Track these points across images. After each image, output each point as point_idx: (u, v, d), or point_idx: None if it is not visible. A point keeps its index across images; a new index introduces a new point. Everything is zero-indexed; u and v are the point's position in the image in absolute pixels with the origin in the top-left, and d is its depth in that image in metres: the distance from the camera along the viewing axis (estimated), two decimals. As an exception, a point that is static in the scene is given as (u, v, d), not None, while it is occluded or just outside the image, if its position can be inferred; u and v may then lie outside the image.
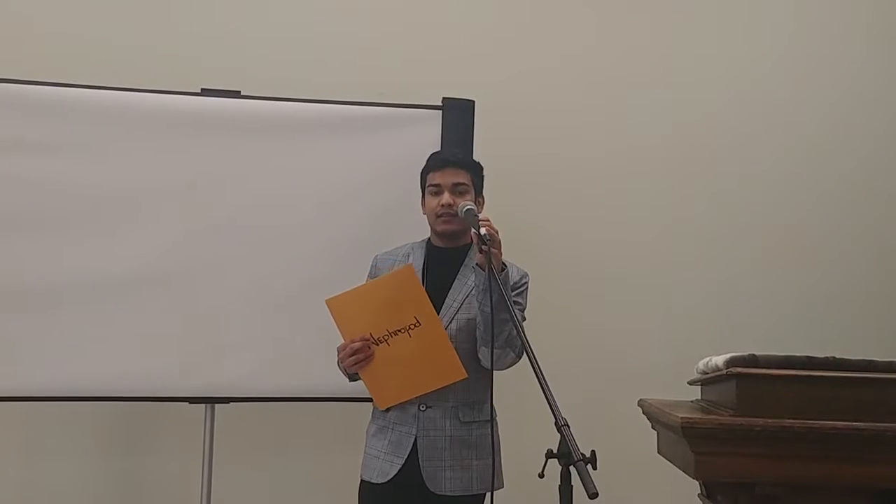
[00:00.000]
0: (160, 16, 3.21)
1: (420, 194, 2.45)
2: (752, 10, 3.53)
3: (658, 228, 3.42)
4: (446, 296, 2.34)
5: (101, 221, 2.75)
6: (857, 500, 1.82)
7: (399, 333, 2.21)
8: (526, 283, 2.39)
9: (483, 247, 2.05)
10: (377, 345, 2.23)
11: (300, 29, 3.28)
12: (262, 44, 3.24)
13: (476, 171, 2.43)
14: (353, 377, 2.33)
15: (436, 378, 2.24)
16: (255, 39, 3.24)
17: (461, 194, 2.34)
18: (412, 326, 2.20)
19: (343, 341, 2.26)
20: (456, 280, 2.36)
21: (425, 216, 2.43)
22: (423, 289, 2.23)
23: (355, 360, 2.23)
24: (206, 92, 2.83)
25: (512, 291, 2.27)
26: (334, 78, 3.18)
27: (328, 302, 2.22)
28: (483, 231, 2.08)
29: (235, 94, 2.85)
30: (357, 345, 2.22)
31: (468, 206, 2.24)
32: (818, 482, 1.80)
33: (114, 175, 2.76)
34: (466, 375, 2.23)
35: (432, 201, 2.36)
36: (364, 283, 2.36)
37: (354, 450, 2.46)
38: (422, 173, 2.44)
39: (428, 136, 2.88)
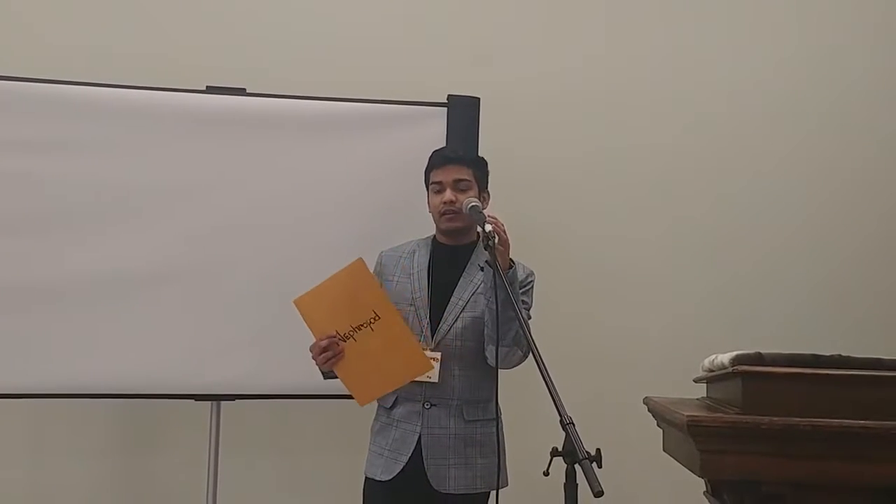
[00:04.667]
0: (165, 13, 3.21)
1: (426, 193, 2.45)
2: (757, 12, 3.51)
3: (663, 226, 3.41)
4: (452, 294, 2.34)
5: (106, 219, 2.76)
6: (863, 499, 1.81)
7: (362, 328, 2.18)
8: (532, 281, 2.38)
9: (488, 244, 2.05)
10: (344, 341, 2.21)
11: (305, 26, 3.28)
12: (267, 41, 3.24)
13: (479, 166, 2.41)
14: (327, 375, 2.30)
15: (406, 371, 2.22)
16: (260, 37, 3.24)
17: (463, 191, 2.33)
18: (373, 320, 2.17)
19: (314, 340, 2.24)
20: (462, 278, 2.36)
21: (431, 214, 2.43)
22: (377, 280, 2.20)
23: (325, 359, 2.21)
24: (211, 89, 2.84)
25: (518, 290, 2.26)
26: (339, 75, 3.18)
27: (296, 302, 2.20)
28: (488, 228, 2.08)
29: (241, 92, 2.85)
30: (324, 342, 2.20)
31: (472, 203, 2.24)
32: (824, 481, 1.79)
33: (119, 172, 2.77)
34: (433, 367, 2.22)
35: (435, 199, 2.36)
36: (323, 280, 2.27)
37: (360, 447, 2.46)
38: (425, 172, 2.43)
39: (433, 133, 2.88)
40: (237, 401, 2.84)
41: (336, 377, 2.29)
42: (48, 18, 3.15)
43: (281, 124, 2.86)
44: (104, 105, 2.77)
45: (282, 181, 2.85)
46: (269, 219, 2.84)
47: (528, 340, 1.82)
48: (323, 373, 2.30)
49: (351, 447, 2.68)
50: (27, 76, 2.73)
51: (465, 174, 2.35)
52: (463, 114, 2.90)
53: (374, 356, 2.20)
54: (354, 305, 2.17)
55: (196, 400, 2.82)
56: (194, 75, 2.90)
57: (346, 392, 2.62)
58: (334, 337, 2.21)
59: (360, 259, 2.18)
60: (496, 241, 2.07)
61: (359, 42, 3.28)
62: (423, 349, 2.26)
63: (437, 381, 2.27)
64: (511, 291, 2.00)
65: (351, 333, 2.19)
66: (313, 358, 2.25)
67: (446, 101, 2.92)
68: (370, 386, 2.26)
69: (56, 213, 2.74)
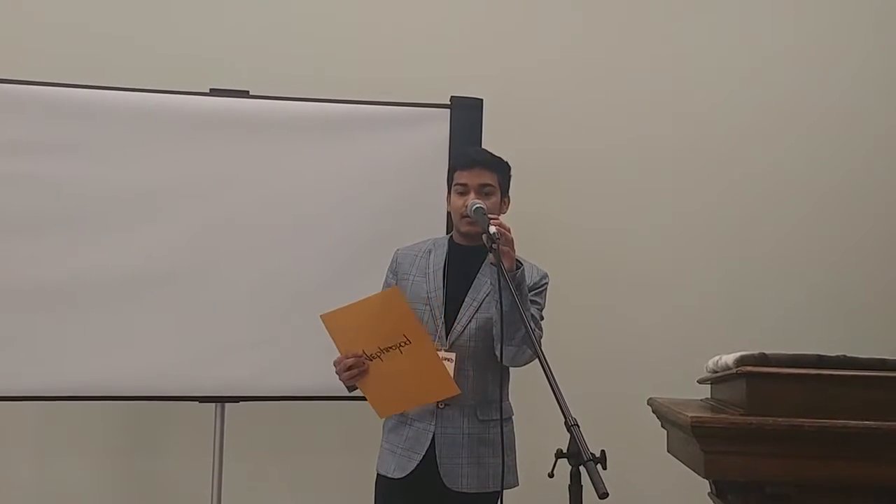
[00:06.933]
0: (168, 16, 3.22)
1: (446, 190, 2.42)
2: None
3: (667, 225, 3.41)
4: (466, 294, 2.34)
5: (111, 221, 2.76)
6: (868, 499, 1.81)
7: (390, 350, 2.21)
8: (546, 283, 2.38)
9: (493, 246, 2.05)
10: (370, 360, 2.23)
11: (308, 29, 3.29)
12: (270, 44, 3.24)
13: (504, 171, 2.40)
14: (351, 388, 2.33)
15: (430, 393, 2.25)
16: (263, 39, 3.25)
17: (487, 196, 2.31)
18: (402, 344, 2.20)
19: (339, 355, 2.25)
20: (476, 279, 2.36)
21: (450, 212, 2.42)
22: (410, 309, 2.20)
23: (350, 375, 2.24)
24: (214, 92, 2.84)
25: (531, 291, 2.27)
26: (343, 77, 3.18)
27: (322, 317, 2.22)
28: (493, 230, 2.08)
29: (244, 94, 2.86)
30: (350, 361, 2.23)
31: (477, 205, 2.23)
32: (829, 482, 1.79)
33: (123, 175, 2.77)
34: (459, 392, 2.23)
35: (458, 201, 2.34)
36: (356, 300, 2.25)
37: (365, 449, 2.47)
38: (449, 170, 2.42)
39: (437, 134, 2.88)
40: (241, 402, 2.84)
41: (356, 389, 2.33)
42: (53, 23, 3.15)
43: (284, 126, 2.86)
44: (108, 108, 2.77)
45: (285, 183, 2.85)
46: (273, 220, 2.84)
47: (532, 341, 1.82)
48: (347, 386, 2.33)
49: (356, 449, 2.69)
50: (28, 79, 2.74)
51: (489, 179, 2.33)
52: (466, 115, 2.90)
53: (400, 377, 2.23)
54: (384, 329, 2.20)
55: (200, 402, 2.82)
56: (197, 78, 2.91)
57: (351, 394, 2.63)
58: (360, 356, 2.23)
59: (397, 287, 2.21)
60: (501, 242, 2.07)
61: (362, 44, 3.29)
62: (438, 349, 2.27)
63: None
64: (516, 292, 2.00)
65: (378, 354, 2.22)
66: (337, 372, 2.27)
67: (449, 103, 2.92)
68: (392, 402, 2.30)
69: (59, 216, 2.74)
